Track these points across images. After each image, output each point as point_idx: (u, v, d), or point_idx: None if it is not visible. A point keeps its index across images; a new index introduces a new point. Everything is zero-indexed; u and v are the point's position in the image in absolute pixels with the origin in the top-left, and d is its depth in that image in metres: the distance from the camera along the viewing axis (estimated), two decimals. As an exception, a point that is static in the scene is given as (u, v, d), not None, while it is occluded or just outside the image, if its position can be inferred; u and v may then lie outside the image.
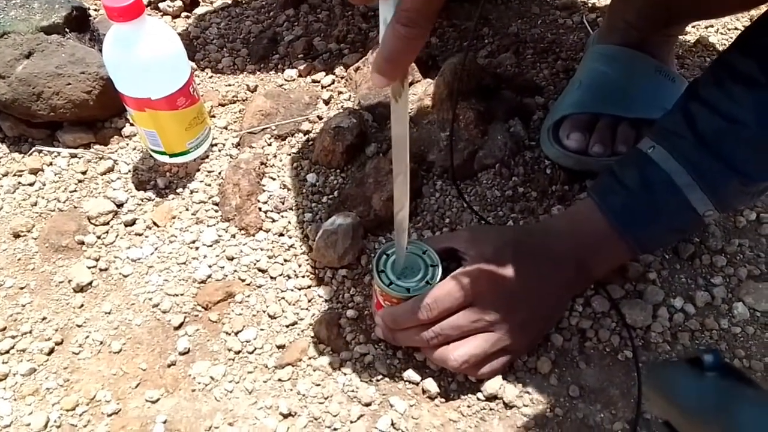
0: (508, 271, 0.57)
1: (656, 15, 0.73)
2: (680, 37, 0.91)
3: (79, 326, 0.64)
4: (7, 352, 0.62)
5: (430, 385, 0.59)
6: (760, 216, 0.72)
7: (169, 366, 0.62)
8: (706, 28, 0.95)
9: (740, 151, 0.53)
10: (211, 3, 0.99)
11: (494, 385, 0.58)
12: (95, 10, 0.96)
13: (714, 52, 0.92)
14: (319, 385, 0.60)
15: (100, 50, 0.79)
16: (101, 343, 0.63)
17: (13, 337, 0.63)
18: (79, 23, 0.81)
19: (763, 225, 0.71)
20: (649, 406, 0.58)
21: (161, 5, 0.97)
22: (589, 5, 0.98)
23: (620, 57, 0.75)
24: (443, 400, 0.59)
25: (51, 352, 0.63)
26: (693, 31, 0.94)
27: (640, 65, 0.75)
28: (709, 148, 0.54)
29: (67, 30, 0.79)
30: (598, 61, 0.76)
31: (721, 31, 0.95)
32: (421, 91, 0.80)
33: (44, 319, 0.65)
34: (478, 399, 0.59)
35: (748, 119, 0.52)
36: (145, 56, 0.65)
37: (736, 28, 0.95)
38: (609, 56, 0.76)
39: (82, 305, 0.66)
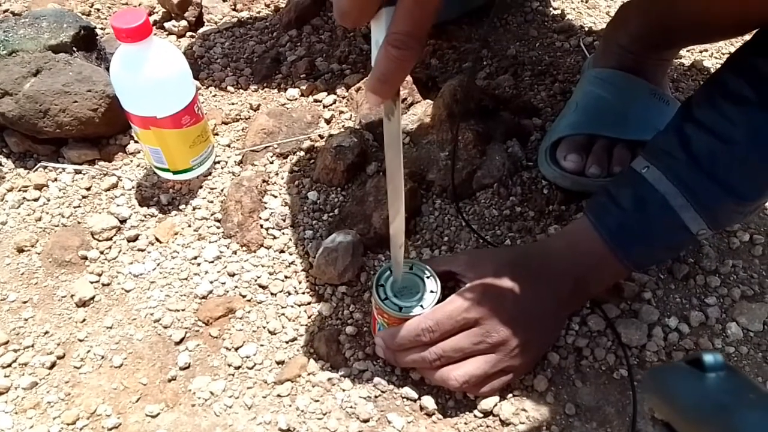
0: (507, 292, 0.58)
1: (650, 40, 0.74)
2: (675, 60, 0.92)
3: (80, 341, 0.65)
4: (9, 365, 0.63)
5: (428, 401, 0.60)
6: (753, 237, 0.73)
7: (169, 381, 0.62)
8: (701, 52, 0.97)
9: (734, 172, 0.54)
10: (216, 23, 1.00)
11: (490, 402, 0.59)
12: (102, 29, 0.97)
13: (708, 76, 0.93)
14: (317, 401, 0.60)
15: (107, 69, 0.81)
16: (102, 357, 0.64)
17: (15, 351, 0.64)
18: (87, 42, 0.82)
19: (756, 246, 0.72)
20: (650, 406, 0.58)
21: (167, 25, 0.99)
22: (586, 29, 0.99)
23: (616, 80, 0.76)
24: (441, 416, 0.60)
25: (53, 366, 0.63)
26: (688, 55, 0.96)
27: (635, 88, 0.76)
28: (703, 169, 0.55)
29: (75, 49, 0.80)
30: (594, 84, 0.78)
31: (715, 56, 0.96)
32: (421, 111, 0.81)
33: (46, 333, 0.65)
34: (475, 416, 0.59)
35: (740, 138, 0.53)
36: (151, 76, 0.66)
37: (730, 53, 0.96)
38: (605, 79, 0.77)
39: (84, 320, 0.67)
